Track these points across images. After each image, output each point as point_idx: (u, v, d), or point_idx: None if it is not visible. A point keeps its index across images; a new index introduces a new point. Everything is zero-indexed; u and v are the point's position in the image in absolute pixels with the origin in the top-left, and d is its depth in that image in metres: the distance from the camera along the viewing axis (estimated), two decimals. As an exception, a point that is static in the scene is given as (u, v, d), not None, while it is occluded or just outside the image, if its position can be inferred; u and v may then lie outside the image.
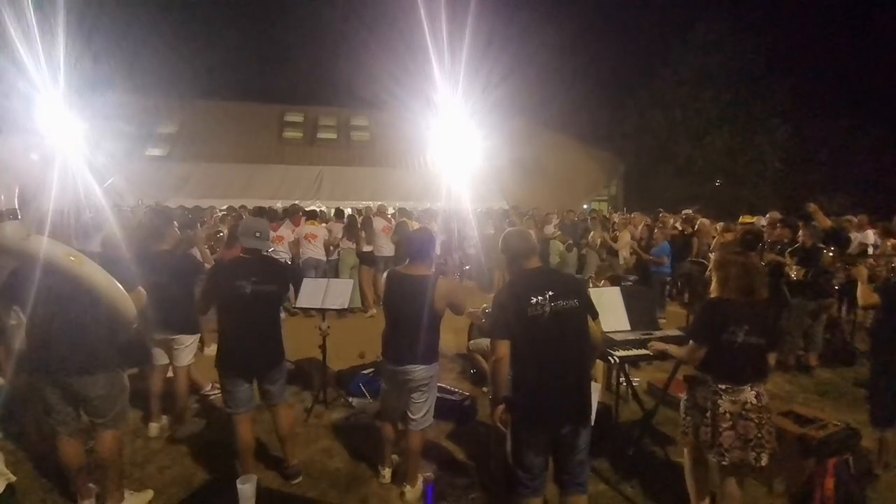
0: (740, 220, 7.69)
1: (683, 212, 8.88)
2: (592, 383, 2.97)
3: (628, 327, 3.23)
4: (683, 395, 2.67)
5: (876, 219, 7.15)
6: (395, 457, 3.32)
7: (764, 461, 2.38)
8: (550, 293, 2.18)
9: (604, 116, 21.09)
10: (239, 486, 1.88)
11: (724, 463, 2.41)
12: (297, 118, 21.77)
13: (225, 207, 10.68)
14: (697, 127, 19.63)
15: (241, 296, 2.83)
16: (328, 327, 4.12)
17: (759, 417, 2.38)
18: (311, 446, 3.58)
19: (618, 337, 3.13)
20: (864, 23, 22.08)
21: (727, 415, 2.38)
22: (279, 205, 12.93)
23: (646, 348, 2.96)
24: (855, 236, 6.46)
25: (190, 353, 3.82)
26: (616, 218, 9.40)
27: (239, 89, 22.04)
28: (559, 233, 8.85)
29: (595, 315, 2.35)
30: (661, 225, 8.13)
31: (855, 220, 6.91)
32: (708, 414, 2.43)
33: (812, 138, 19.12)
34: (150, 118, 18.52)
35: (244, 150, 18.45)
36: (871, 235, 6.54)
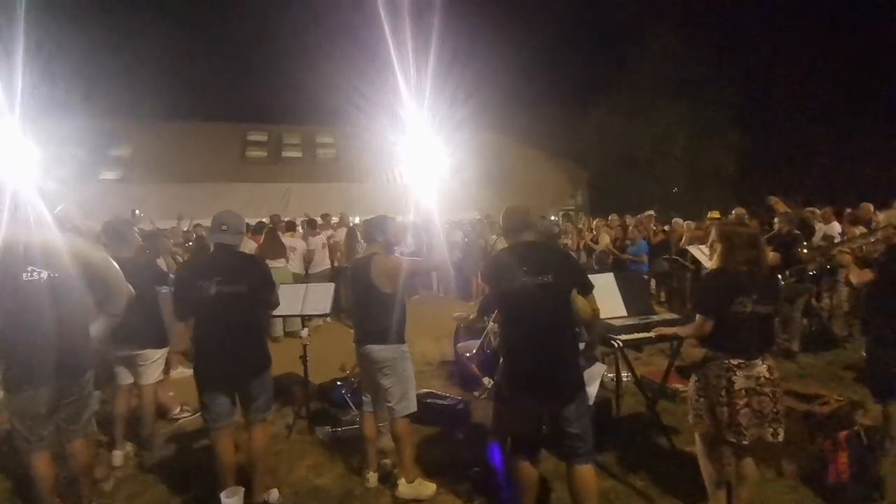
0: (708, 216, 7.87)
1: (646, 213, 9.04)
2: (597, 364, 2.91)
3: (625, 313, 3.14)
4: (692, 379, 2.54)
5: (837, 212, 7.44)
6: (387, 461, 3.11)
7: (781, 436, 2.30)
8: (525, 268, 2.26)
9: (567, 127, 21.57)
10: (224, 499, 1.64)
11: (743, 442, 2.31)
12: (261, 137, 21.30)
13: (188, 223, 10.14)
14: (656, 133, 20.32)
15: (205, 298, 2.57)
16: (308, 335, 3.87)
17: (773, 391, 2.31)
18: (296, 464, 3.30)
19: (616, 323, 3.03)
20: (808, 29, 23.54)
21: (742, 391, 2.29)
22: (247, 222, 12.47)
23: (646, 332, 2.88)
24: (820, 227, 6.67)
25: (157, 369, 3.48)
26: (592, 223, 9.50)
27: (199, 110, 21.48)
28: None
29: (585, 290, 2.36)
30: (638, 224, 8.24)
31: (818, 211, 7.15)
32: (723, 392, 2.32)
33: (765, 141, 20.14)
34: (104, 141, 17.83)
35: (205, 170, 17.85)
36: (836, 226, 6.77)
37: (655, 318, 3.11)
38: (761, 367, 2.32)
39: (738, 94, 19.96)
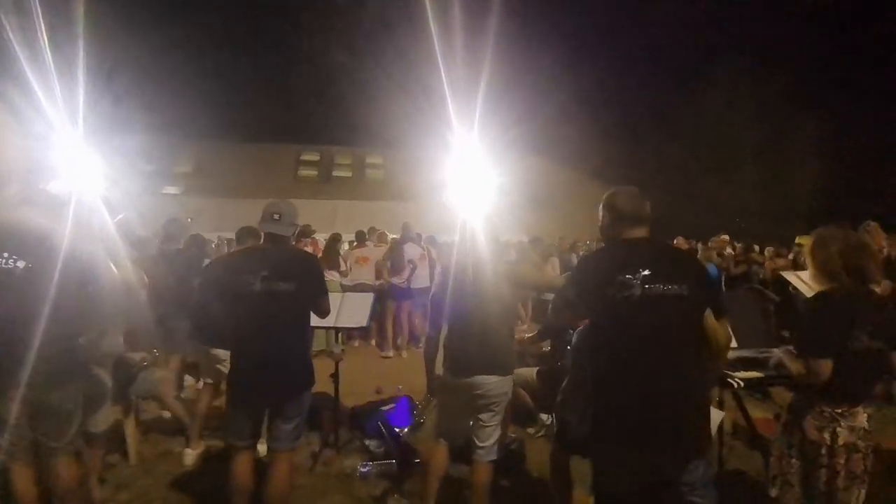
0: (797, 241, 6.94)
1: (720, 236, 8.11)
2: (713, 409, 2.29)
3: (735, 343, 2.47)
4: (777, 436, 2.02)
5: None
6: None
7: (862, 499, 1.88)
8: (646, 272, 1.62)
9: (623, 154, 20.76)
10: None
11: None
12: (313, 157, 21.89)
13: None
14: (725, 162, 19.14)
15: (248, 295, 2.22)
16: (342, 351, 3.42)
17: (867, 446, 1.87)
18: (318, 502, 2.80)
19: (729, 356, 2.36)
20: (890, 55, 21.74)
21: (843, 447, 1.83)
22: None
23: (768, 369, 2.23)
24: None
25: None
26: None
27: (256, 130, 22.33)
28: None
29: (720, 310, 1.77)
30: (707, 248, 7.40)
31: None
32: (823, 451, 1.84)
33: (848, 170, 18.46)
34: (168, 157, 18.79)
35: (259, 187, 18.37)
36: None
37: (778, 351, 2.42)
38: (862, 417, 1.87)
39: (819, 122, 18.53)
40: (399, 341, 6.46)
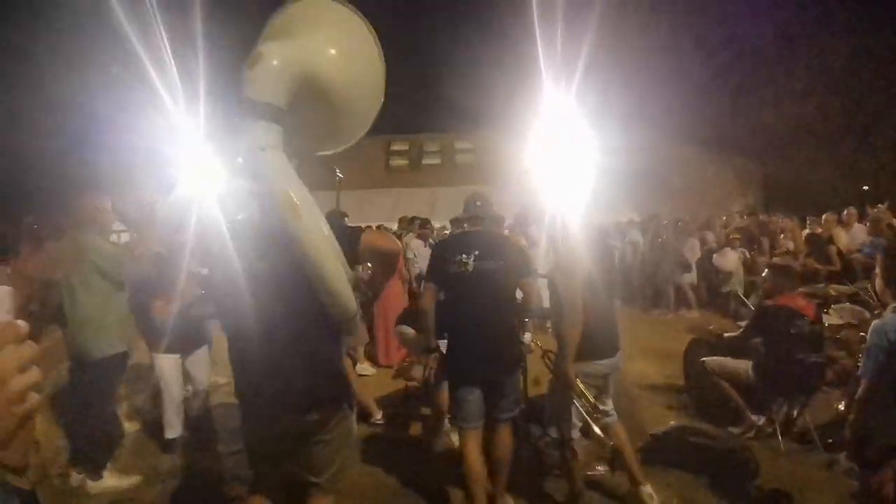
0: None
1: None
2: None
3: None
4: None
5: None
6: None
7: None
8: None
9: (740, 120, 18.75)
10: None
11: None
12: (403, 146, 22.22)
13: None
14: (863, 118, 16.59)
15: (461, 274, 2.42)
16: (533, 341, 3.24)
17: None
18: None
19: None
20: None
21: None
22: (395, 227, 12.70)
23: None
24: None
25: None
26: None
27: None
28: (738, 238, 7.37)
29: None
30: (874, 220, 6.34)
31: None
32: None
33: None
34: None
35: (352, 180, 18.99)
36: None
37: None
38: None
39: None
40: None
